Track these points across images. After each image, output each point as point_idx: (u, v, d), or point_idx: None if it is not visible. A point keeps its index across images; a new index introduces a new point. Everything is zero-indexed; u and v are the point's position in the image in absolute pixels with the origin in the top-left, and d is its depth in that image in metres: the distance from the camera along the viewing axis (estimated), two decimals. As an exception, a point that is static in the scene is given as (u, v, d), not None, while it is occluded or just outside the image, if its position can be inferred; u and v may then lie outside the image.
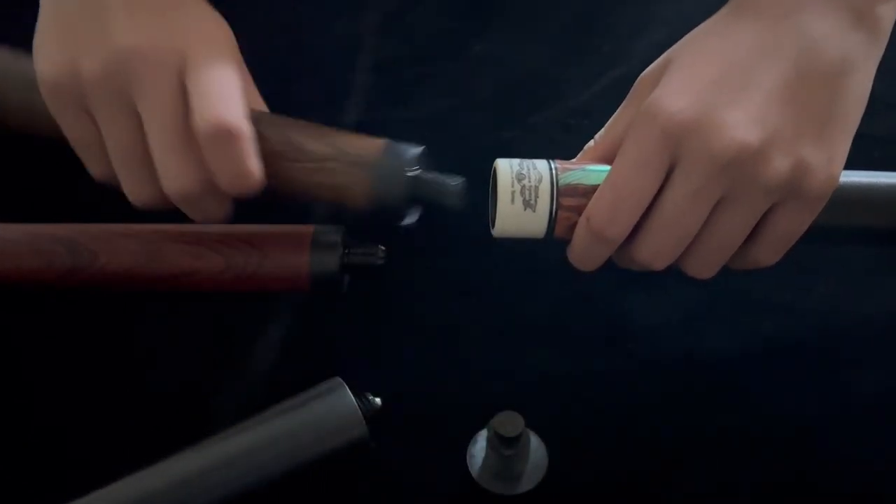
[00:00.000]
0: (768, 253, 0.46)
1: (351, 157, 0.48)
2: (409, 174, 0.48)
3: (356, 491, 0.48)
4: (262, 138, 0.47)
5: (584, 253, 0.46)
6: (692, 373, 0.52)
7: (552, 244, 0.48)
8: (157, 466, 0.45)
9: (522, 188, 0.45)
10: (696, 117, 0.42)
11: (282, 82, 0.65)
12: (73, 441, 0.50)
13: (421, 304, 0.55)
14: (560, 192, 0.45)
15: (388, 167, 0.48)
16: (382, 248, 0.52)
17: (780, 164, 0.42)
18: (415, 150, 0.49)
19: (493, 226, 0.47)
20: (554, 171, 0.46)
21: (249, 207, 0.50)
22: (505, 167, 0.46)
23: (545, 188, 0.45)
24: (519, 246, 0.50)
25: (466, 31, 0.67)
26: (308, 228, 0.52)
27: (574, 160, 0.49)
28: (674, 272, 0.50)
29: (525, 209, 0.45)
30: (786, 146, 0.42)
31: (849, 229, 0.48)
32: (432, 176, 0.49)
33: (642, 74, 0.48)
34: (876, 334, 0.54)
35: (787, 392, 0.52)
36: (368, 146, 0.49)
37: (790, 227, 0.45)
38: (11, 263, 0.50)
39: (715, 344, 0.54)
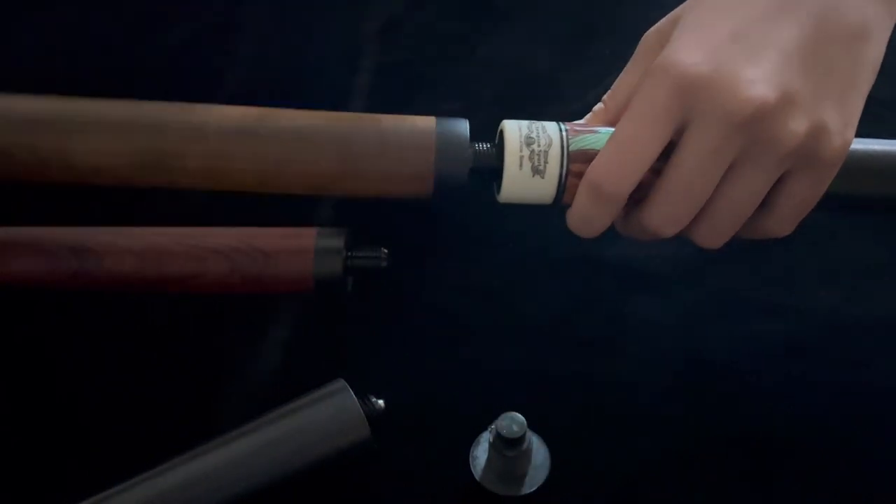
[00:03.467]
0: (780, 222, 0.45)
1: (408, 153, 0.44)
2: (469, 149, 0.45)
3: (359, 492, 0.48)
4: (326, 161, 0.44)
5: (584, 214, 0.44)
6: (695, 374, 0.53)
7: (559, 214, 0.46)
8: (161, 469, 0.45)
9: (531, 153, 0.43)
10: (712, 72, 0.40)
11: (284, 85, 0.65)
12: (75, 444, 0.50)
13: (423, 306, 0.55)
14: (570, 157, 0.43)
15: (447, 152, 0.44)
16: (385, 250, 0.52)
17: (797, 126, 0.41)
18: (464, 123, 0.46)
19: (499, 191, 0.44)
20: (564, 135, 0.43)
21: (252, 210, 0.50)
22: (513, 130, 0.43)
23: (555, 153, 0.43)
24: (522, 227, 0.48)
25: (468, 34, 0.67)
26: (312, 231, 0.52)
27: (582, 121, 0.46)
28: (673, 274, 0.50)
29: (533, 175, 0.43)
30: (804, 107, 0.41)
31: (862, 197, 0.46)
32: (484, 145, 0.45)
33: (648, 32, 0.46)
34: (881, 335, 0.54)
35: (790, 393, 0.52)
36: (419, 132, 0.45)
37: (803, 194, 0.44)
38: (17, 266, 0.50)
39: (718, 345, 0.54)
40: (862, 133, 0.45)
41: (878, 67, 0.44)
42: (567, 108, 0.63)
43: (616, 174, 0.42)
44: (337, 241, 0.51)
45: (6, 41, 0.56)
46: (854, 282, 0.56)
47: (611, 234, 0.47)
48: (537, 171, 0.43)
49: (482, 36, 0.67)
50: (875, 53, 0.43)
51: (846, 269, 0.57)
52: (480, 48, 0.67)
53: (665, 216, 0.43)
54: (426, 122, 0.45)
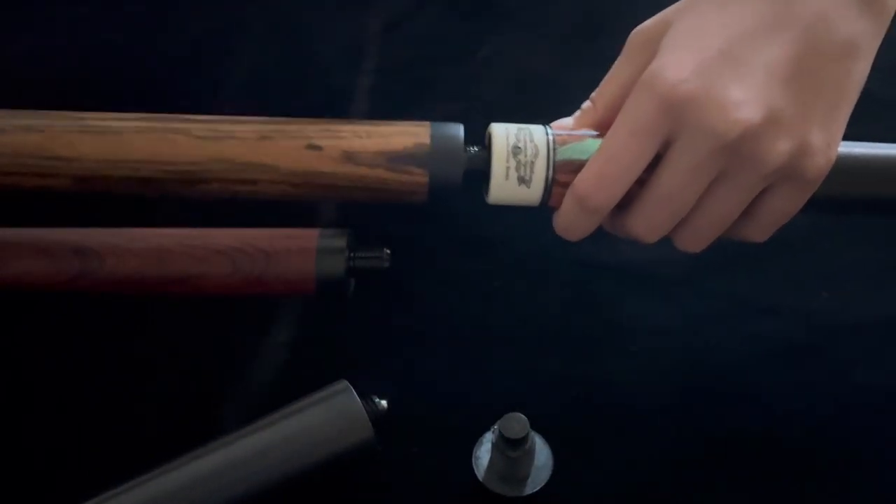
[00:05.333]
0: (760, 230, 0.46)
1: (401, 161, 0.45)
2: (464, 154, 0.45)
3: (362, 493, 0.48)
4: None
5: (570, 221, 0.45)
6: (697, 375, 0.53)
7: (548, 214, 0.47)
8: (164, 469, 0.45)
9: (518, 164, 0.44)
10: (699, 91, 0.41)
11: (286, 87, 0.65)
12: (78, 446, 0.50)
13: (426, 307, 0.55)
14: (556, 167, 0.44)
15: (441, 158, 0.45)
16: (387, 251, 0.52)
17: (782, 146, 0.41)
18: (459, 128, 0.46)
19: (487, 194, 0.45)
20: (551, 144, 0.44)
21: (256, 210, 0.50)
22: (500, 138, 0.44)
23: (541, 164, 0.44)
24: (523, 241, 0.48)
25: (470, 34, 0.67)
26: (314, 232, 0.52)
27: (571, 119, 0.47)
28: (673, 275, 0.50)
29: (519, 185, 0.44)
30: (790, 128, 0.41)
31: (845, 200, 0.47)
32: (474, 149, 0.46)
33: (635, 31, 0.46)
34: (881, 335, 0.54)
35: (792, 393, 0.52)
36: (414, 137, 0.45)
37: (784, 207, 0.44)
38: (20, 268, 0.51)
39: (719, 346, 0.54)
40: (861, 132, 0.45)
41: (862, 86, 0.44)
42: (568, 109, 0.62)
43: (601, 188, 0.43)
44: (339, 242, 0.51)
45: (11, 43, 0.56)
46: (854, 283, 0.56)
47: (612, 237, 0.47)
48: (523, 181, 0.44)
49: (483, 37, 0.67)
50: (862, 69, 0.43)
51: (846, 271, 0.57)
52: (482, 49, 0.67)
53: (647, 225, 0.44)
54: (421, 127, 0.46)
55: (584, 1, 0.70)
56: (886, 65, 0.50)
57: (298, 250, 0.51)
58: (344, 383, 0.47)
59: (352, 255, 0.52)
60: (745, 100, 0.41)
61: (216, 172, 0.45)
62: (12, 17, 0.67)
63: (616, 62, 0.47)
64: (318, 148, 0.45)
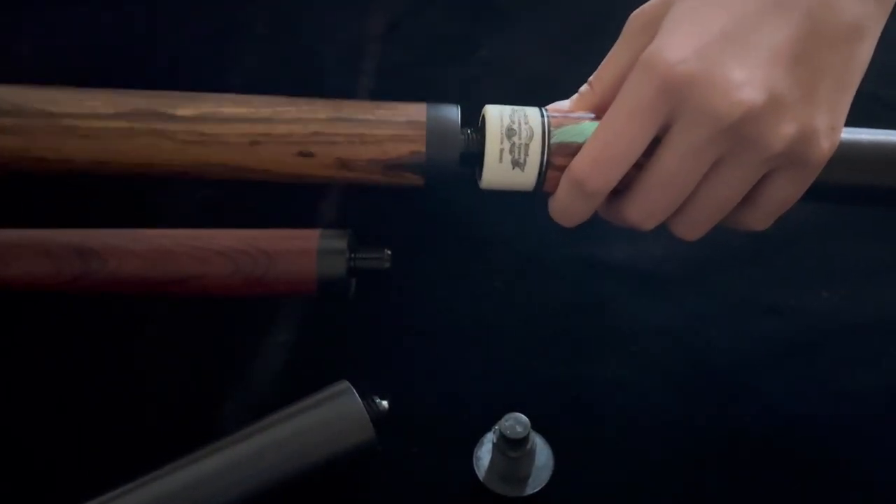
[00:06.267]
0: (760, 218, 0.45)
1: (398, 161, 0.44)
2: (460, 136, 0.44)
3: (362, 494, 0.48)
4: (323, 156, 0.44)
5: (565, 206, 0.44)
6: (696, 374, 0.53)
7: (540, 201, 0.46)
8: (164, 471, 0.45)
9: (512, 146, 0.43)
10: (700, 73, 0.40)
11: (286, 87, 0.65)
12: (76, 444, 0.50)
13: (426, 307, 0.55)
14: (551, 150, 0.43)
15: (437, 138, 0.44)
16: (388, 251, 0.52)
17: (785, 129, 0.40)
18: (455, 109, 0.45)
19: (480, 177, 0.45)
20: (546, 127, 0.43)
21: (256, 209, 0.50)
22: (495, 120, 0.43)
23: (536, 147, 0.43)
24: (521, 239, 0.48)
25: (470, 34, 0.67)
26: (315, 232, 0.52)
27: (568, 102, 0.46)
28: (674, 274, 0.50)
29: (513, 168, 0.43)
30: (793, 111, 0.41)
31: (847, 188, 0.46)
32: (468, 130, 0.45)
33: (635, 12, 0.45)
34: (881, 335, 0.54)
35: (793, 393, 0.52)
36: (409, 117, 0.44)
37: (785, 193, 0.43)
38: (21, 268, 0.51)
39: (719, 345, 0.54)
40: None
41: (865, 68, 0.43)
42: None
43: (598, 171, 0.42)
44: (340, 243, 0.51)
45: (11, 43, 0.56)
46: (854, 281, 0.56)
47: (613, 234, 0.47)
48: (517, 164, 0.43)
49: (484, 37, 0.67)
50: (866, 53, 0.43)
51: (846, 269, 0.57)
52: (482, 50, 0.67)
53: (644, 211, 0.43)
54: (417, 108, 0.45)
55: (584, 1, 0.70)
56: (887, 65, 0.50)
57: (299, 251, 0.51)
58: (345, 384, 0.47)
59: (352, 255, 0.52)
60: (747, 81, 0.40)
61: (205, 175, 0.45)
62: (12, 18, 0.67)
63: (615, 45, 0.46)
64: (309, 154, 0.45)
